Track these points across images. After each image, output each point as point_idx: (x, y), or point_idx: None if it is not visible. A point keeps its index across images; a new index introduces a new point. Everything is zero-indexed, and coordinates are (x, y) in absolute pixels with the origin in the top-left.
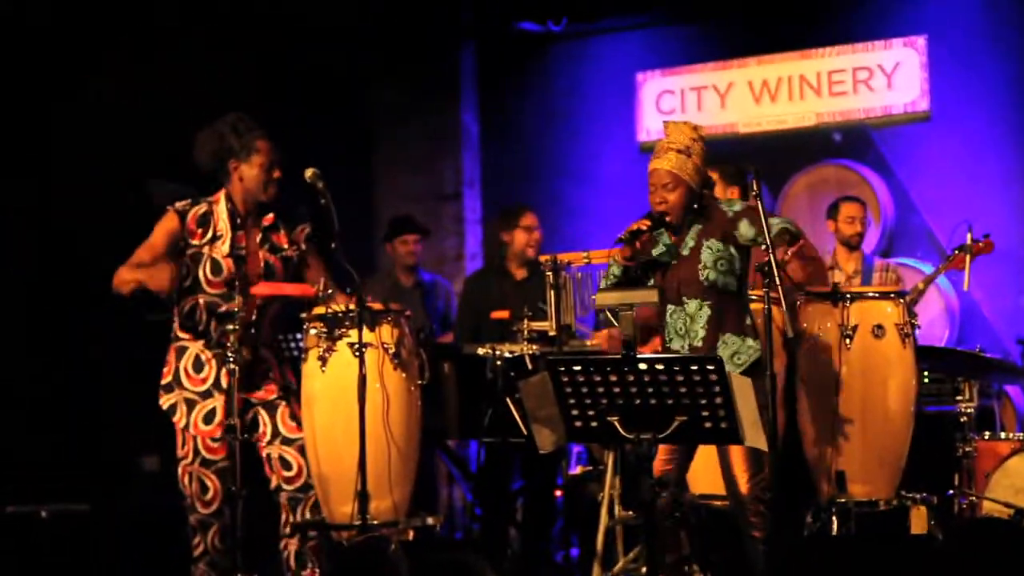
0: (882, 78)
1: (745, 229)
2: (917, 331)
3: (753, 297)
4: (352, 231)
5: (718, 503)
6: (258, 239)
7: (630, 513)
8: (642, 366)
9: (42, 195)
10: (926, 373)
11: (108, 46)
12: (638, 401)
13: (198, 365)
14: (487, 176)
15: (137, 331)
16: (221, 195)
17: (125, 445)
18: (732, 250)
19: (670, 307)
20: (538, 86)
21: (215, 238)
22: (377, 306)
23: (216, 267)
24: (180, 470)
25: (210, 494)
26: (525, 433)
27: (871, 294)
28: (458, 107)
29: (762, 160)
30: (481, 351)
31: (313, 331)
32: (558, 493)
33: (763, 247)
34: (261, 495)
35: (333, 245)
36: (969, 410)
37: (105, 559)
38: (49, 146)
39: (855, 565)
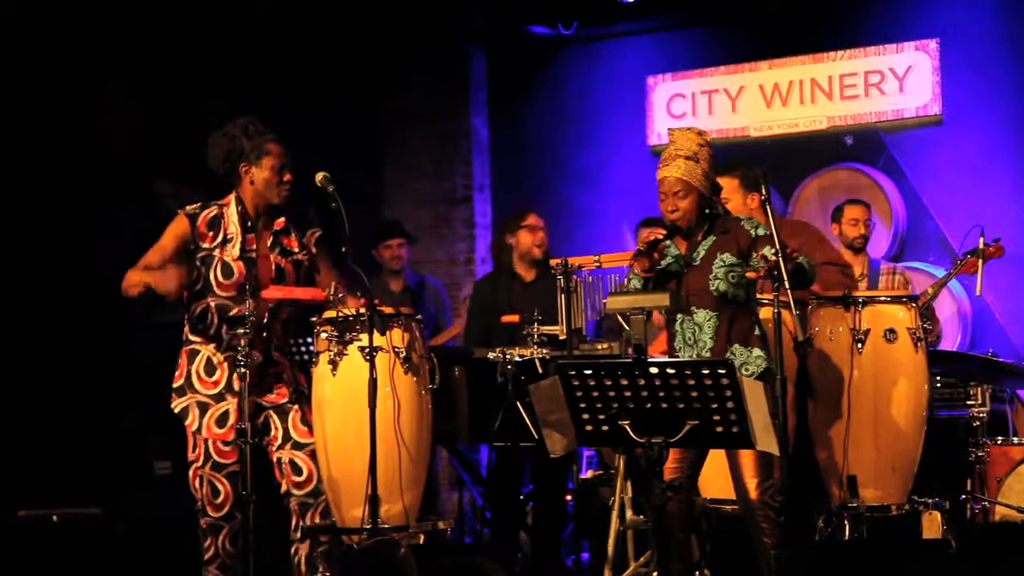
0: (894, 82)
1: (770, 255)
2: (929, 336)
3: (764, 301)
4: (362, 235)
5: (729, 508)
6: (269, 243)
7: (641, 518)
8: (653, 370)
9: (56, 196)
10: (938, 377)
11: (114, 47)
12: (649, 405)
13: (210, 368)
14: (498, 180)
15: (148, 334)
16: (232, 198)
17: (137, 448)
18: (745, 265)
19: (679, 316)
20: (549, 90)
21: (226, 241)
22: (388, 310)
23: (227, 270)
24: (191, 473)
25: (221, 498)
26: (536, 437)
27: (883, 298)
28: (469, 111)
29: (773, 164)
30: (491, 355)
31: (324, 335)
32: (568, 497)
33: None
34: (272, 499)
35: (344, 249)
36: (981, 415)
37: (116, 563)
38: (69, 150)
39: (867, 571)
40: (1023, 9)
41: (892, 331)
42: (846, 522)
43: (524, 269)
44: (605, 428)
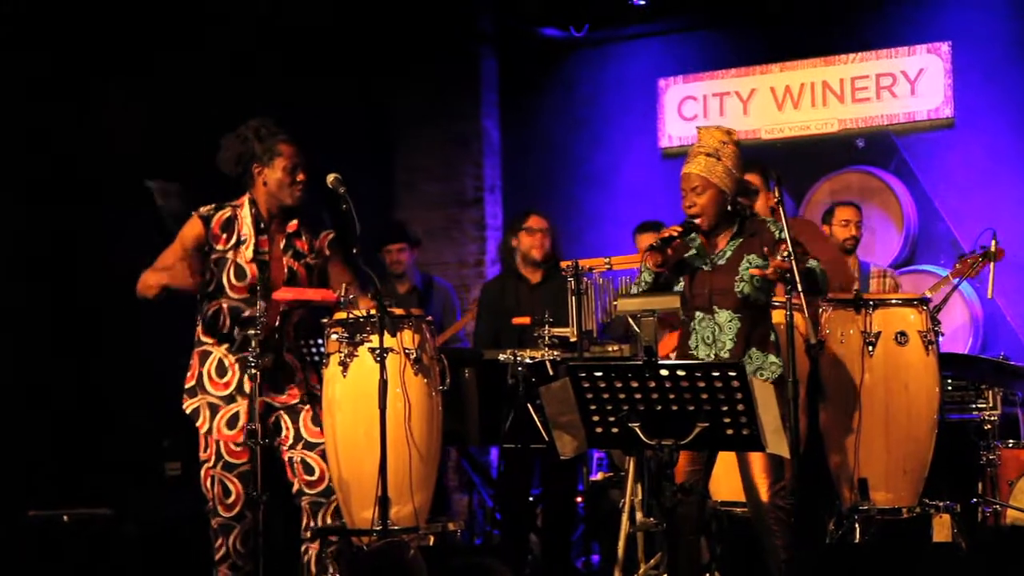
0: (906, 85)
1: (781, 256)
2: (940, 339)
3: (776, 304)
4: (374, 237)
5: (739, 510)
6: (282, 245)
7: (651, 520)
8: (664, 372)
9: (68, 198)
10: (949, 380)
11: (114, 47)
12: (659, 407)
13: (221, 370)
14: (508, 182)
15: (155, 334)
16: (245, 200)
17: (146, 449)
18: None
19: (699, 314)
20: (560, 92)
21: (239, 243)
22: (398, 311)
23: (240, 272)
24: (203, 473)
25: (232, 498)
26: (546, 439)
27: (894, 301)
28: (480, 113)
29: (784, 167)
30: (502, 357)
31: (334, 336)
32: (579, 499)
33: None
34: (283, 499)
35: (355, 250)
36: (992, 418)
37: (126, 563)
38: (69, 150)
39: (877, 573)
40: None
41: (903, 334)
42: (857, 525)
43: (528, 271)
44: (615, 430)
